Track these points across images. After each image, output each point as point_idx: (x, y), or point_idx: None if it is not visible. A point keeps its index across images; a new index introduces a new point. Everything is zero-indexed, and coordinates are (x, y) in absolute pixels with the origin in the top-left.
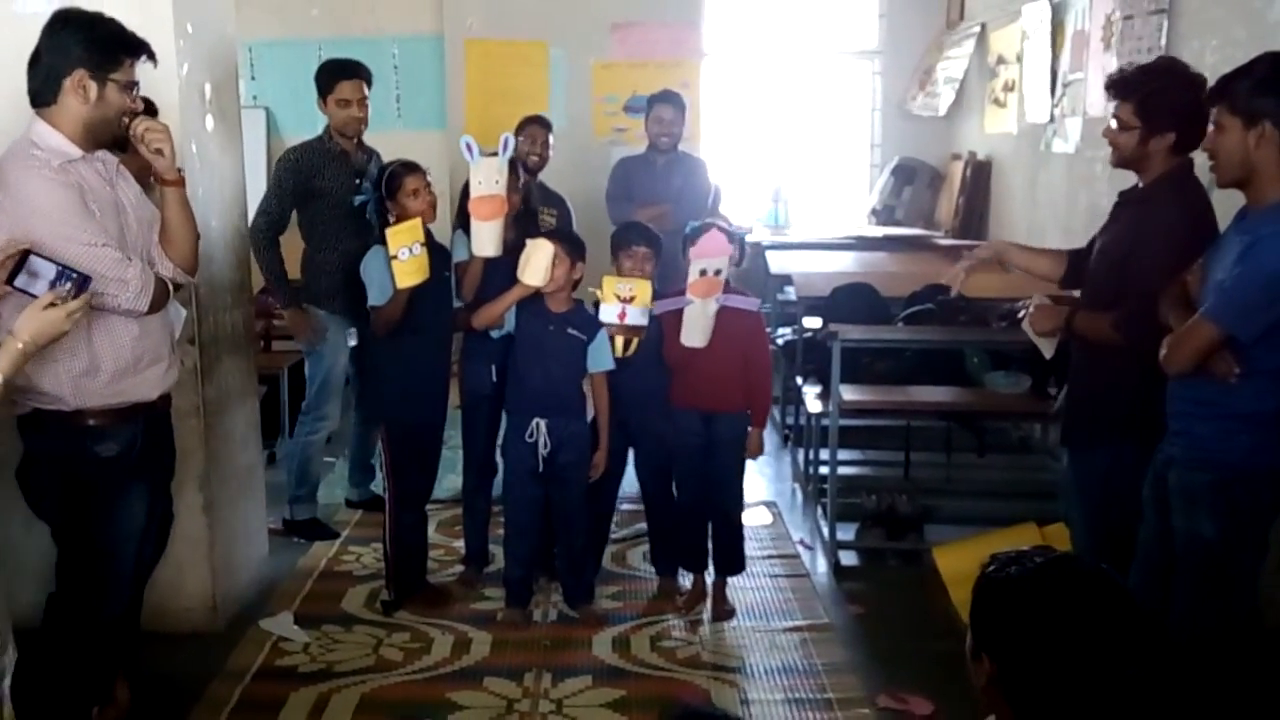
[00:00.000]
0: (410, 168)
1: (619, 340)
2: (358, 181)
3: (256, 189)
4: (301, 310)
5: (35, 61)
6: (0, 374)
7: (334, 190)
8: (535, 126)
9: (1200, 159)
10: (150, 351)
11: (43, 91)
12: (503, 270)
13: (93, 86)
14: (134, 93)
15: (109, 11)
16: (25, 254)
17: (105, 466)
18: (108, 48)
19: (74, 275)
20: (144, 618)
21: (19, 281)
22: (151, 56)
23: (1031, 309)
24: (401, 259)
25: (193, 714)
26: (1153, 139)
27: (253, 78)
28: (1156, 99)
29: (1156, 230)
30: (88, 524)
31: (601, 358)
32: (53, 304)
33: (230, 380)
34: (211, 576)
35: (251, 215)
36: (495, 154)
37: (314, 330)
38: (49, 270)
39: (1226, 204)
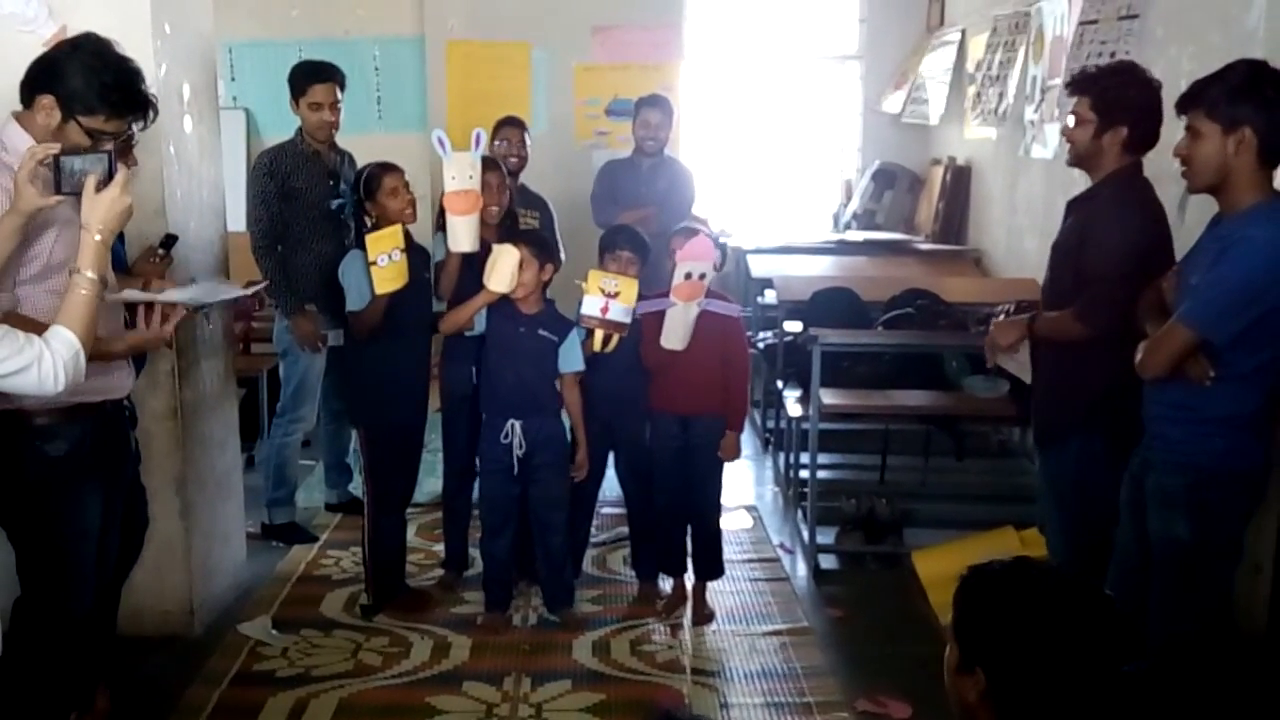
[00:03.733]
0: (388, 168)
1: (599, 335)
2: (331, 183)
3: (237, 191)
4: (306, 316)
5: (36, 61)
6: (90, 269)
7: (308, 192)
8: (510, 128)
9: (1164, 164)
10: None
11: (24, 93)
12: (481, 268)
13: (56, 115)
14: (103, 142)
15: (87, 11)
16: (56, 158)
17: (54, 466)
18: (90, 91)
19: (103, 152)
20: (120, 622)
21: (65, 187)
22: (143, 117)
23: (991, 331)
24: (380, 265)
25: (170, 719)
26: (1107, 133)
27: (233, 79)
28: (1113, 93)
29: (1107, 220)
30: (41, 524)
31: (571, 359)
32: (99, 184)
33: (208, 383)
34: (189, 580)
35: (229, 218)
36: (468, 150)
37: (320, 336)
38: (85, 161)
39: (1204, 210)
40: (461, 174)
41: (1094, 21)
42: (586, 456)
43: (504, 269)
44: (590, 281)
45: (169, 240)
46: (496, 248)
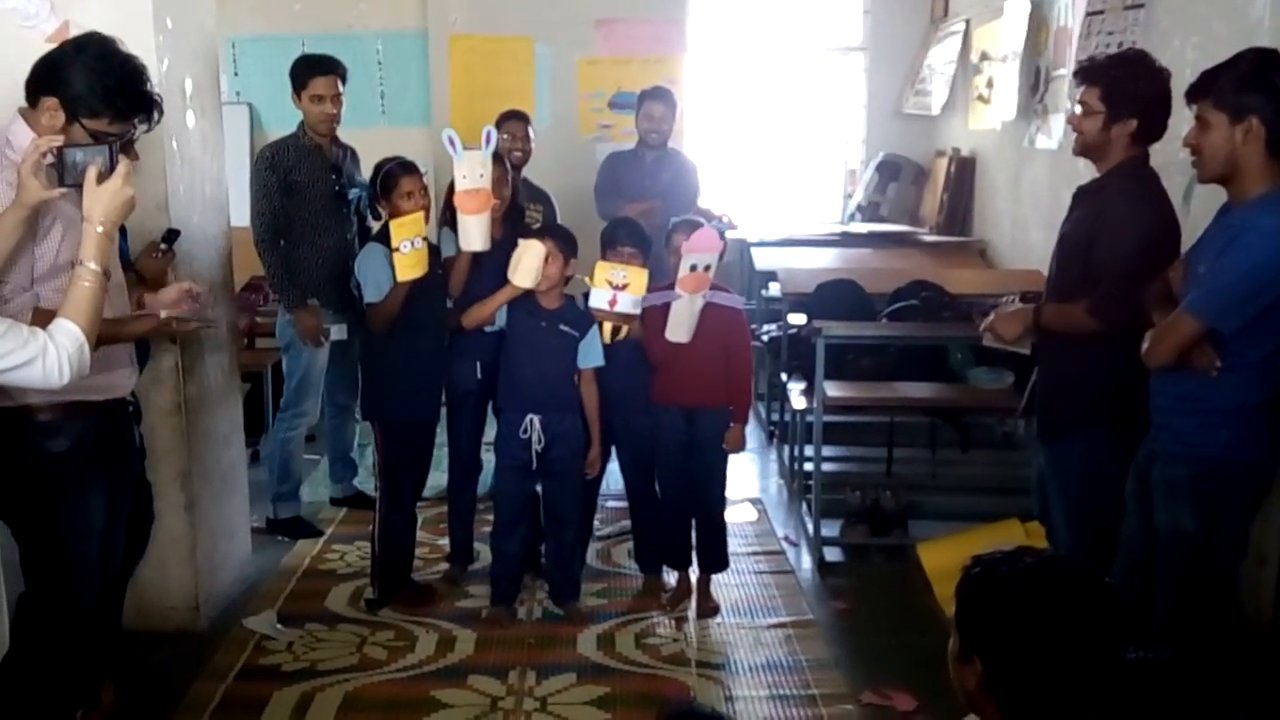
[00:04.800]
0: (407, 168)
1: (607, 327)
2: (334, 177)
3: (239, 186)
4: (308, 310)
5: (41, 61)
6: (93, 261)
7: (310, 186)
8: (514, 122)
9: (1170, 153)
10: (100, 358)
11: (29, 93)
12: (491, 266)
13: (61, 118)
14: (107, 139)
15: (89, 6)
16: (59, 150)
17: (57, 462)
18: (94, 95)
19: (105, 144)
20: (126, 617)
21: (67, 179)
22: (148, 118)
23: (991, 319)
24: (404, 251)
25: (175, 713)
26: (1115, 125)
27: (235, 73)
28: (1122, 85)
29: (1119, 214)
30: (44, 520)
31: (592, 355)
32: (101, 176)
33: (212, 378)
34: (194, 575)
35: (232, 212)
36: (478, 148)
37: (322, 330)
38: (86, 153)
39: (1209, 200)
40: (472, 173)
41: (1100, 11)
42: (599, 453)
43: (530, 264)
44: (596, 274)
45: (171, 235)
46: (523, 242)
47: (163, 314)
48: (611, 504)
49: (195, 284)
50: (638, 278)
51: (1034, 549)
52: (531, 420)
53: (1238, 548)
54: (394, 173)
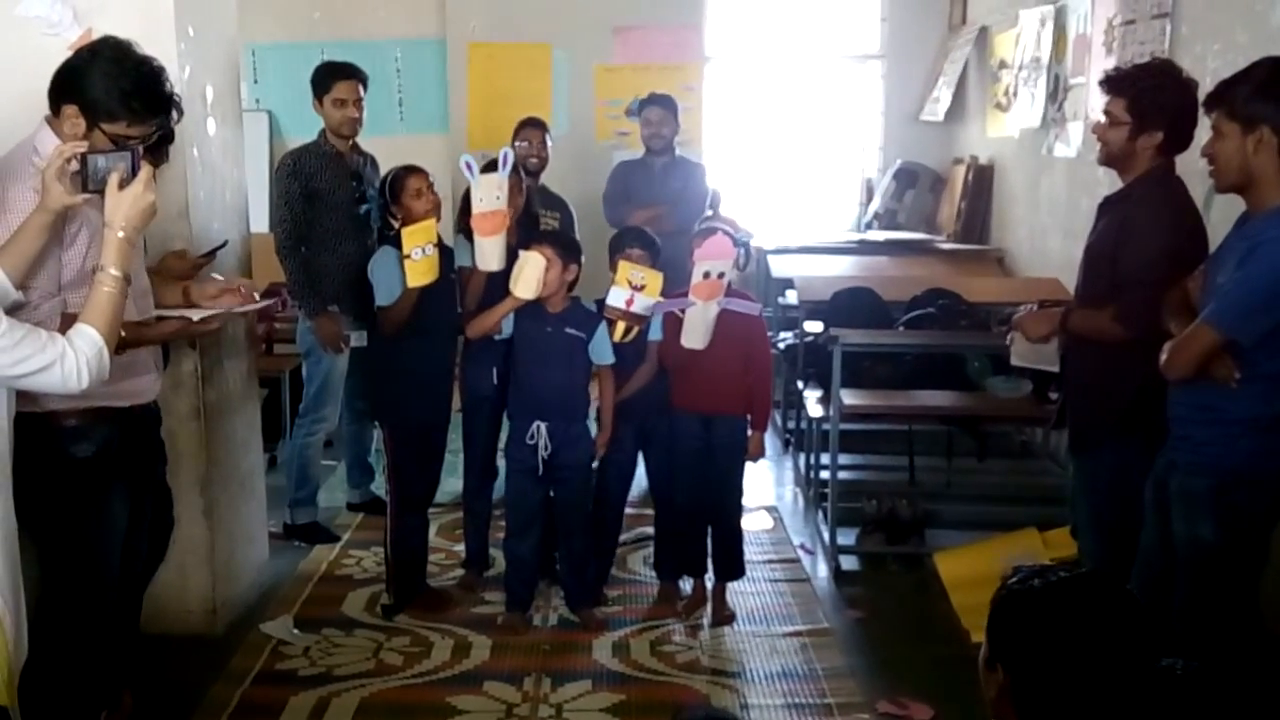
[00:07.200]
0: (411, 170)
1: (620, 326)
2: (354, 184)
3: (259, 193)
4: (329, 316)
5: (59, 69)
6: (114, 267)
7: (331, 193)
8: (531, 129)
9: (1190, 162)
10: (124, 364)
11: (51, 101)
12: (505, 278)
13: (81, 124)
14: (130, 144)
15: (112, 14)
16: (84, 156)
17: (82, 467)
18: (111, 99)
19: (128, 150)
20: (144, 621)
21: (91, 185)
22: (167, 118)
23: (1018, 316)
24: (415, 258)
25: (193, 718)
26: (1141, 136)
27: (255, 81)
28: (1149, 96)
29: (1143, 222)
30: (67, 525)
31: (603, 351)
32: (123, 182)
33: (231, 383)
34: (212, 580)
35: (252, 219)
36: (495, 169)
37: (342, 337)
38: (111, 159)
39: (1228, 209)
40: (489, 195)
41: (1133, 21)
42: (608, 437)
43: (530, 276)
44: (619, 273)
45: (219, 246)
46: (523, 254)
47: (200, 312)
48: (628, 511)
49: (241, 281)
50: (654, 281)
51: (1069, 564)
52: (539, 426)
53: (1257, 558)
54: (400, 175)
